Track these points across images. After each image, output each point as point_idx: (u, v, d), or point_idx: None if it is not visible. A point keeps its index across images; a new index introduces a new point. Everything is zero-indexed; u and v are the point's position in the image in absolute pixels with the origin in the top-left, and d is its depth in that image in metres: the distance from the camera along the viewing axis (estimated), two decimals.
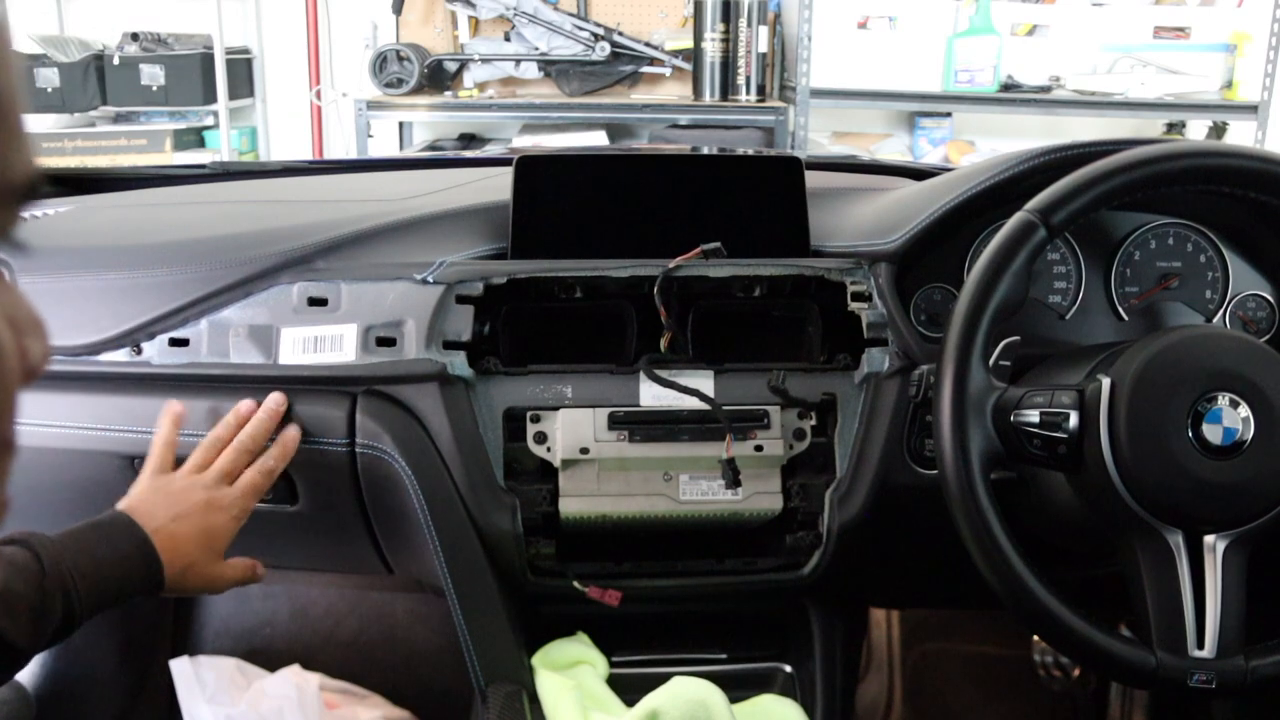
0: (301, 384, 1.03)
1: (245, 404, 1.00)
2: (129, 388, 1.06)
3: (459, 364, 1.02)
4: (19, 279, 1.09)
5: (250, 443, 0.98)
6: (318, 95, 3.64)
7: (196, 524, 0.93)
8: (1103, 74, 3.28)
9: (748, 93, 3.34)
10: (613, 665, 1.07)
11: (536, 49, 3.38)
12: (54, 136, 3.45)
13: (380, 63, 3.30)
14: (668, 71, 3.42)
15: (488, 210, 1.12)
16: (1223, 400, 0.84)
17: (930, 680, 1.72)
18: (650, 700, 0.95)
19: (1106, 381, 0.86)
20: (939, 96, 3.31)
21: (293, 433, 1.00)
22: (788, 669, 1.15)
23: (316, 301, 1.05)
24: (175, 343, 1.05)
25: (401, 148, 3.61)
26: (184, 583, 0.92)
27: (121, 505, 0.93)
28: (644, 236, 1.09)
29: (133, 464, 1.06)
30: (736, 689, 1.04)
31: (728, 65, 3.32)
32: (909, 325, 1.05)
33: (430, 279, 1.04)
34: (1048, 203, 0.89)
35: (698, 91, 3.37)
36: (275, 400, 1.00)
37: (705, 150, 1.97)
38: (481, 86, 3.46)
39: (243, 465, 0.98)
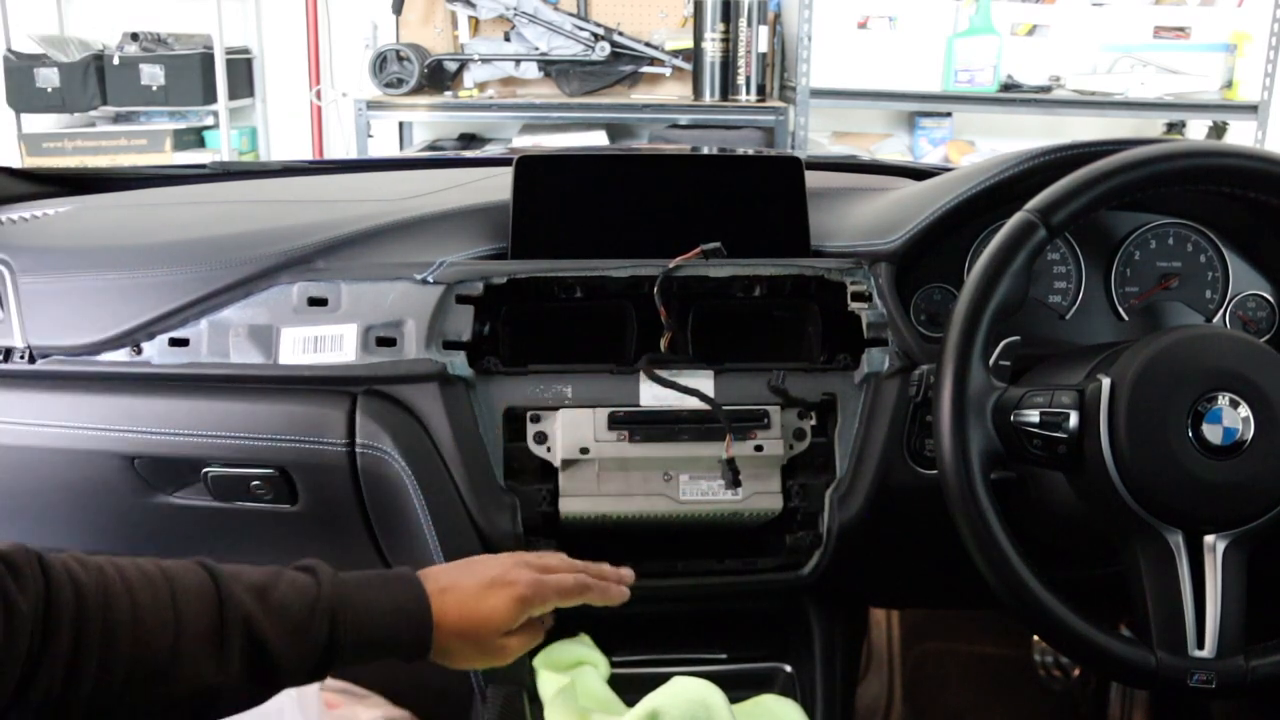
0: (301, 384, 1.03)
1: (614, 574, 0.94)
2: (129, 388, 1.06)
3: (459, 364, 1.02)
4: (19, 279, 1.09)
5: (589, 580, 0.91)
6: (318, 95, 3.64)
7: (471, 595, 0.86)
8: (1103, 74, 3.28)
9: (748, 93, 3.34)
10: (613, 665, 1.07)
11: (536, 49, 3.38)
12: (54, 136, 3.45)
13: (380, 63, 3.30)
14: (668, 71, 3.42)
15: (488, 210, 1.12)
16: (1223, 400, 0.84)
17: (930, 680, 1.72)
18: (650, 700, 0.95)
19: (1106, 381, 0.86)
20: (939, 96, 3.31)
21: (624, 583, 0.94)
22: (788, 669, 1.15)
23: (316, 301, 1.05)
24: (175, 343, 1.05)
25: (401, 148, 3.61)
26: (458, 649, 0.86)
27: (431, 568, 0.88)
28: (644, 236, 1.09)
29: (133, 464, 1.06)
30: (736, 689, 1.04)
31: (728, 65, 3.32)
32: (909, 325, 1.05)
33: (430, 279, 1.04)
34: (1048, 203, 0.89)
35: (698, 91, 3.37)
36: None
37: (705, 150, 1.97)
38: (481, 86, 3.46)
39: (566, 591, 0.90)
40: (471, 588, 0.86)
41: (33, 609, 0.68)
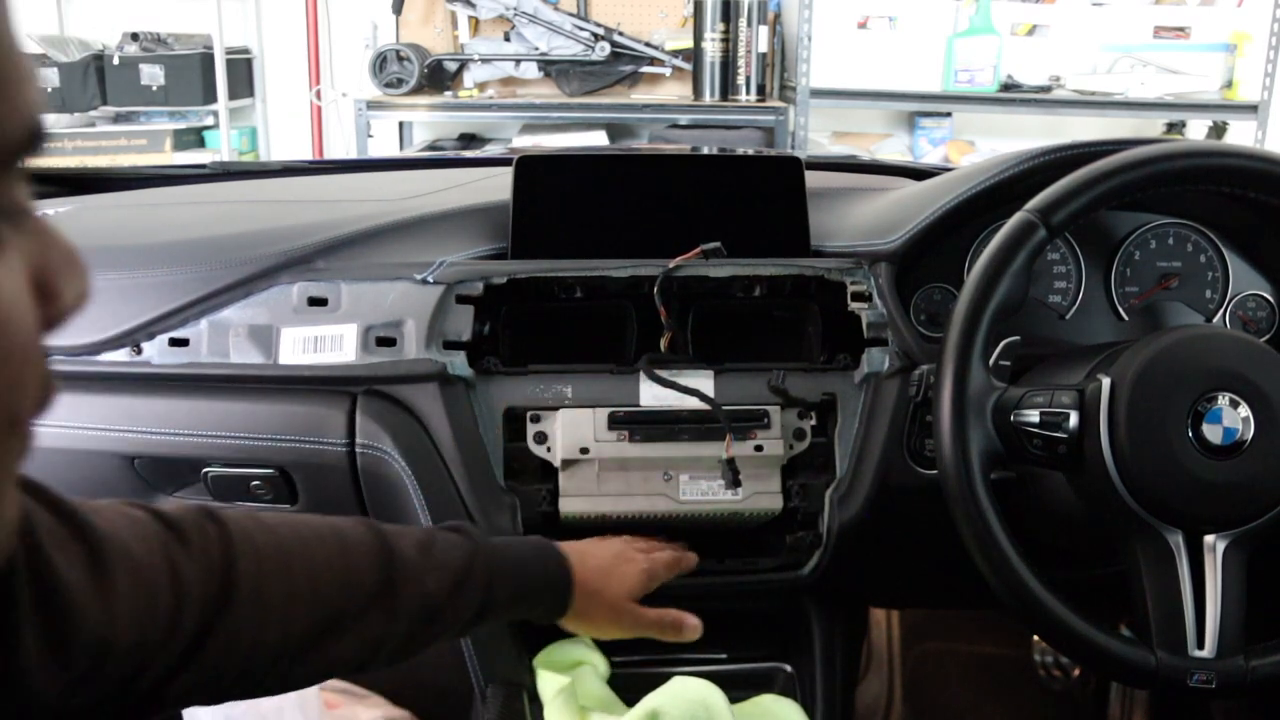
0: (301, 384, 1.03)
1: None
2: (129, 388, 1.06)
3: (459, 364, 1.02)
4: None
5: (680, 554, 1.01)
6: (318, 95, 3.64)
7: (602, 563, 0.93)
8: (1103, 74, 3.28)
9: (748, 93, 3.34)
10: (613, 665, 1.07)
11: (536, 49, 3.38)
12: (54, 136, 3.45)
13: (380, 63, 3.30)
14: (668, 71, 3.42)
15: (488, 210, 1.12)
16: (1223, 400, 0.84)
17: (930, 680, 1.72)
18: (650, 700, 0.95)
19: (1106, 381, 0.86)
20: (939, 96, 3.31)
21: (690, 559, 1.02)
22: (788, 669, 1.15)
23: (316, 301, 1.05)
24: (175, 343, 1.05)
25: (401, 148, 3.61)
26: (588, 610, 0.92)
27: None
28: (644, 236, 1.09)
29: (133, 464, 1.06)
30: (736, 689, 1.04)
31: (728, 65, 3.32)
32: (909, 325, 1.05)
33: (430, 279, 1.04)
34: (1048, 203, 0.89)
35: (698, 91, 3.37)
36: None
37: (705, 150, 1.97)
38: (481, 86, 3.46)
39: (669, 569, 0.99)
40: (603, 557, 0.94)
41: (203, 575, 0.68)
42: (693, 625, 0.97)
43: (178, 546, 0.67)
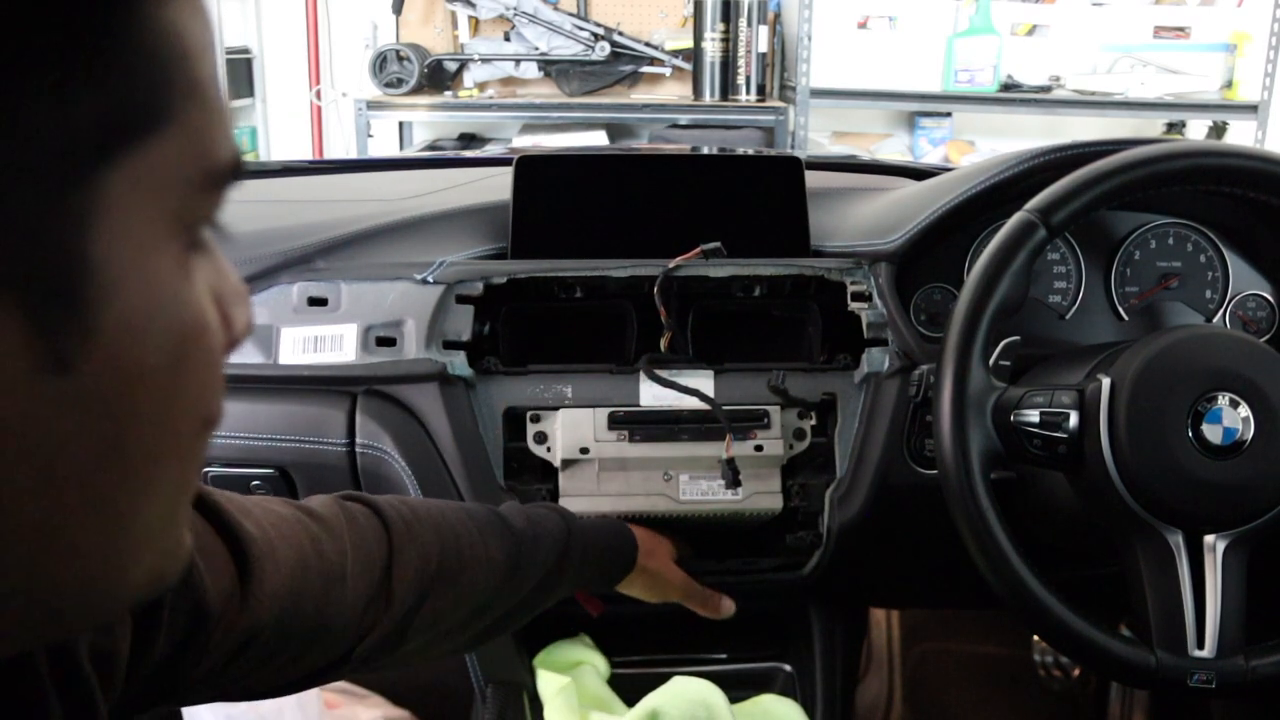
0: (301, 384, 1.03)
1: None
2: None
3: (459, 364, 1.02)
4: None
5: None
6: (318, 95, 3.64)
7: (648, 532, 1.02)
8: (1103, 74, 3.28)
9: (748, 93, 3.34)
10: (613, 665, 1.07)
11: (536, 49, 3.38)
12: None
13: (380, 63, 3.30)
14: (668, 71, 3.42)
15: (488, 210, 1.12)
16: (1223, 400, 0.84)
17: (930, 680, 1.72)
18: (651, 700, 0.95)
19: (1106, 381, 0.86)
20: (939, 96, 3.31)
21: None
22: (788, 669, 1.15)
23: (316, 301, 1.05)
24: None
25: (401, 148, 3.61)
26: (650, 570, 0.99)
27: None
28: (644, 236, 1.09)
29: None
30: (736, 689, 1.04)
31: (728, 65, 3.32)
32: (909, 325, 1.05)
33: (430, 279, 1.04)
34: (1048, 203, 0.89)
35: (698, 91, 3.36)
36: None
37: (705, 150, 1.96)
38: (481, 86, 3.46)
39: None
40: (644, 530, 1.01)
41: (363, 564, 0.72)
42: (729, 606, 1.06)
43: (327, 539, 0.70)
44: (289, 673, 0.68)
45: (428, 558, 0.76)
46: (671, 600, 1.02)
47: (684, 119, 3.35)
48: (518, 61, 3.39)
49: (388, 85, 3.29)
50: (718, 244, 1.07)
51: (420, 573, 0.75)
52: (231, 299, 0.39)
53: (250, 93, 3.70)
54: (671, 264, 1.05)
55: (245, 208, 1.25)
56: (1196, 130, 3.57)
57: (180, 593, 0.56)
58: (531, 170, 1.10)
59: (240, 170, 0.38)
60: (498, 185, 1.14)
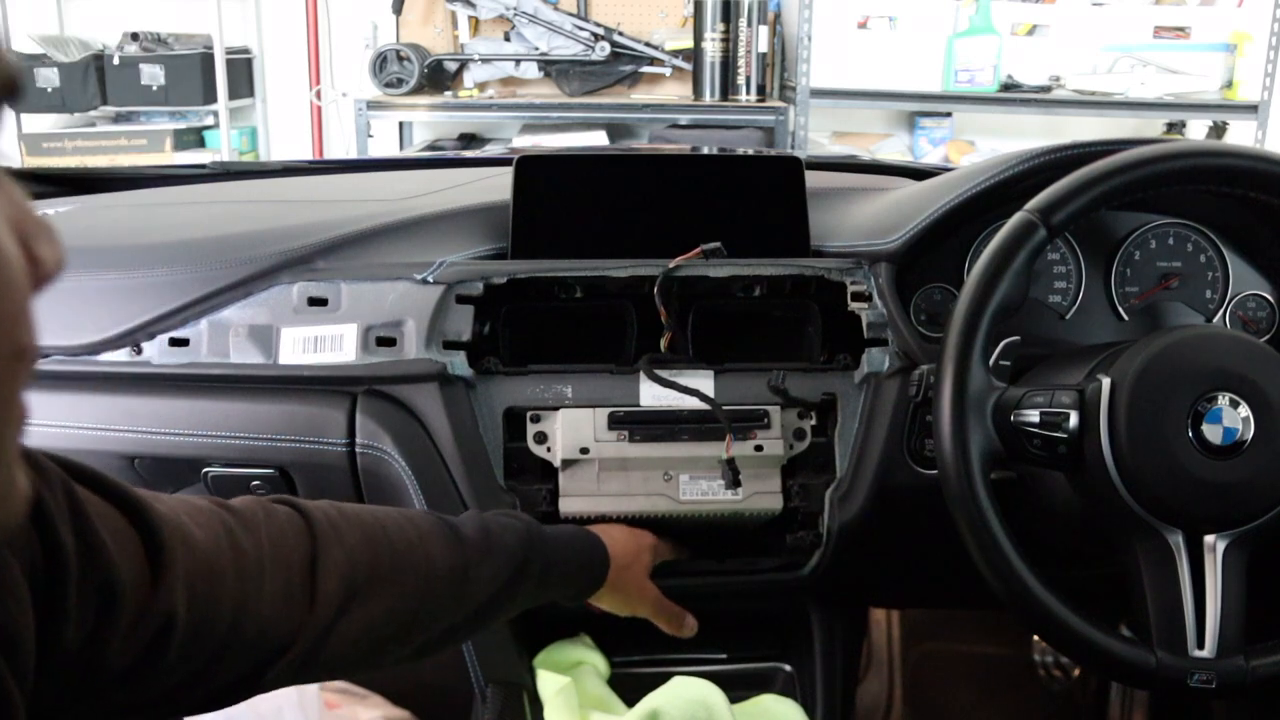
0: (301, 384, 1.03)
1: None
2: (129, 388, 1.06)
3: (459, 364, 1.02)
4: None
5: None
6: (318, 95, 3.64)
7: (627, 541, 1.00)
8: (1103, 74, 3.28)
9: (748, 93, 3.34)
10: (613, 665, 1.07)
11: (536, 49, 3.38)
12: (54, 136, 3.45)
13: (380, 63, 3.30)
14: (668, 71, 3.42)
15: (488, 210, 1.12)
16: (1223, 400, 0.84)
17: (930, 680, 1.72)
18: (650, 700, 0.95)
19: (1106, 381, 0.86)
20: (939, 96, 3.31)
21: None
22: (788, 669, 1.15)
23: (316, 301, 1.05)
24: (175, 343, 1.05)
25: (401, 148, 3.61)
26: (620, 584, 0.98)
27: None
28: (644, 236, 1.09)
29: (133, 464, 1.06)
30: (736, 689, 1.04)
31: (728, 65, 3.32)
32: (909, 325, 1.04)
33: (430, 279, 1.04)
34: (1048, 203, 0.89)
35: (698, 91, 3.37)
36: None
37: (705, 150, 1.96)
38: (481, 86, 3.46)
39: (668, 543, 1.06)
40: (622, 538, 0.99)
41: (279, 562, 0.70)
42: (691, 625, 1.05)
43: (243, 532, 0.69)
44: (216, 676, 0.66)
45: (355, 561, 0.74)
46: (640, 615, 1.02)
47: (684, 119, 3.35)
48: (518, 61, 3.39)
49: (388, 85, 3.29)
50: (718, 244, 1.07)
51: (347, 577, 0.73)
52: (36, 235, 0.39)
53: (250, 93, 3.70)
54: (671, 264, 1.05)
55: (245, 208, 1.25)
56: (1196, 130, 3.57)
57: (86, 571, 0.55)
58: (531, 170, 1.10)
59: (15, 90, 0.38)
60: (498, 185, 1.14)
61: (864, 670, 1.71)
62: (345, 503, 0.80)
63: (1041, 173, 1.02)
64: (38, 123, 3.52)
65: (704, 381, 1.05)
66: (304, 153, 3.72)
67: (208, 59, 3.43)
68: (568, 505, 1.03)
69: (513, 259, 1.08)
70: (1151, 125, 3.54)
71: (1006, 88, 3.28)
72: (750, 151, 1.88)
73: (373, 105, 3.29)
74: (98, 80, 3.40)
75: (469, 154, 3.29)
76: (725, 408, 1.03)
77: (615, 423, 1.03)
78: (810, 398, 1.05)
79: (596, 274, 1.06)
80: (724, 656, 1.15)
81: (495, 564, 0.84)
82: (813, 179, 1.13)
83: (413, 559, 0.78)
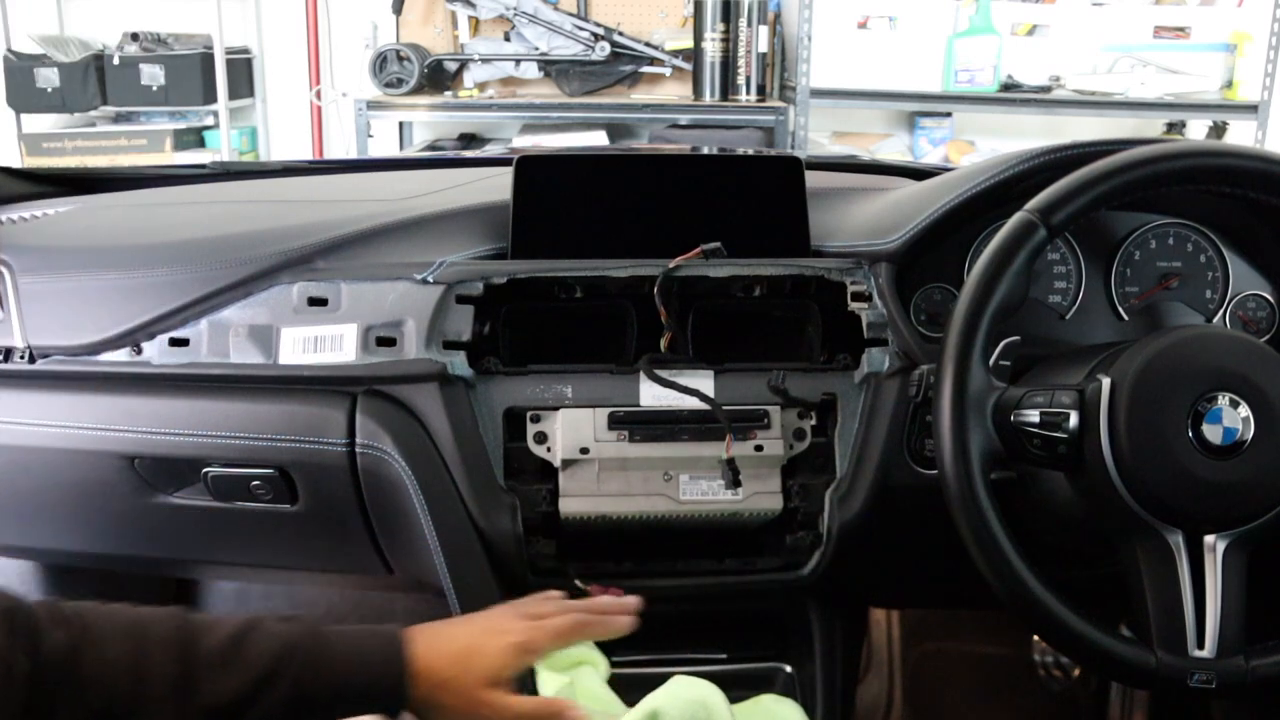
0: (301, 384, 1.03)
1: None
2: (129, 388, 1.06)
3: (459, 364, 1.02)
4: (19, 279, 1.09)
5: (586, 618, 0.89)
6: (318, 95, 3.64)
7: (464, 642, 0.83)
8: (1103, 74, 3.28)
9: (748, 93, 3.34)
10: (613, 665, 1.07)
11: (536, 49, 3.38)
12: (54, 136, 3.45)
13: (380, 63, 3.30)
14: (668, 71, 3.42)
15: (488, 210, 1.12)
16: (1223, 400, 0.84)
17: (930, 680, 1.72)
18: (650, 700, 0.95)
19: (1106, 381, 0.86)
20: (939, 96, 3.31)
21: (629, 611, 0.91)
22: (788, 669, 1.15)
23: (316, 301, 1.05)
24: (175, 343, 1.05)
25: (401, 148, 3.61)
26: (441, 694, 0.81)
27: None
28: (644, 236, 1.09)
29: (133, 464, 1.06)
30: (736, 689, 1.04)
31: (728, 65, 3.32)
32: (909, 325, 1.04)
33: (430, 279, 1.04)
34: (1048, 203, 0.89)
35: (698, 91, 3.36)
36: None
37: (705, 150, 1.96)
38: (481, 86, 3.46)
39: (565, 633, 0.88)
40: (463, 636, 0.84)
41: (28, 667, 0.68)
42: (575, 718, 0.86)
43: (21, 637, 0.67)
44: None
45: (48, 658, 0.70)
46: (498, 708, 0.83)
47: (684, 119, 3.35)
48: (518, 61, 3.39)
49: (388, 85, 3.29)
50: (718, 244, 1.07)
51: None
52: None
53: (250, 93, 3.70)
54: (671, 264, 1.05)
55: (245, 208, 1.25)
56: (1196, 130, 3.57)
57: None
58: (531, 170, 1.10)
59: None
60: (498, 185, 1.14)
61: (864, 670, 1.71)
62: (77, 604, 0.75)
63: (1041, 173, 1.02)
64: (38, 123, 3.52)
65: (704, 381, 1.05)
66: (304, 153, 3.72)
67: (208, 59, 3.43)
68: (568, 505, 1.03)
69: (513, 259, 1.08)
70: (1151, 125, 3.54)
71: (1006, 88, 3.28)
72: (750, 151, 1.88)
73: (373, 105, 3.29)
74: (98, 80, 3.40)
75: (469, 154, 3.29)
76: (725, 408, 1.03)
77: (615, 423, 1.03)
78: (810, 398, 1.05)
79: (596, 274, 1.06)
80: (724, 656, 1.15)
81: (238, 675, 0.75)
82: (813, 179, 1.13)
83: (126, 666, 0.73)
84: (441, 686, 0.81)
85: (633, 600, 0.92)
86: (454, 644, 0.83)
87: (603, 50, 3.33)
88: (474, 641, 0.83)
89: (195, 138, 3.55)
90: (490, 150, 3.50)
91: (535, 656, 0.86)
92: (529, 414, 1.04)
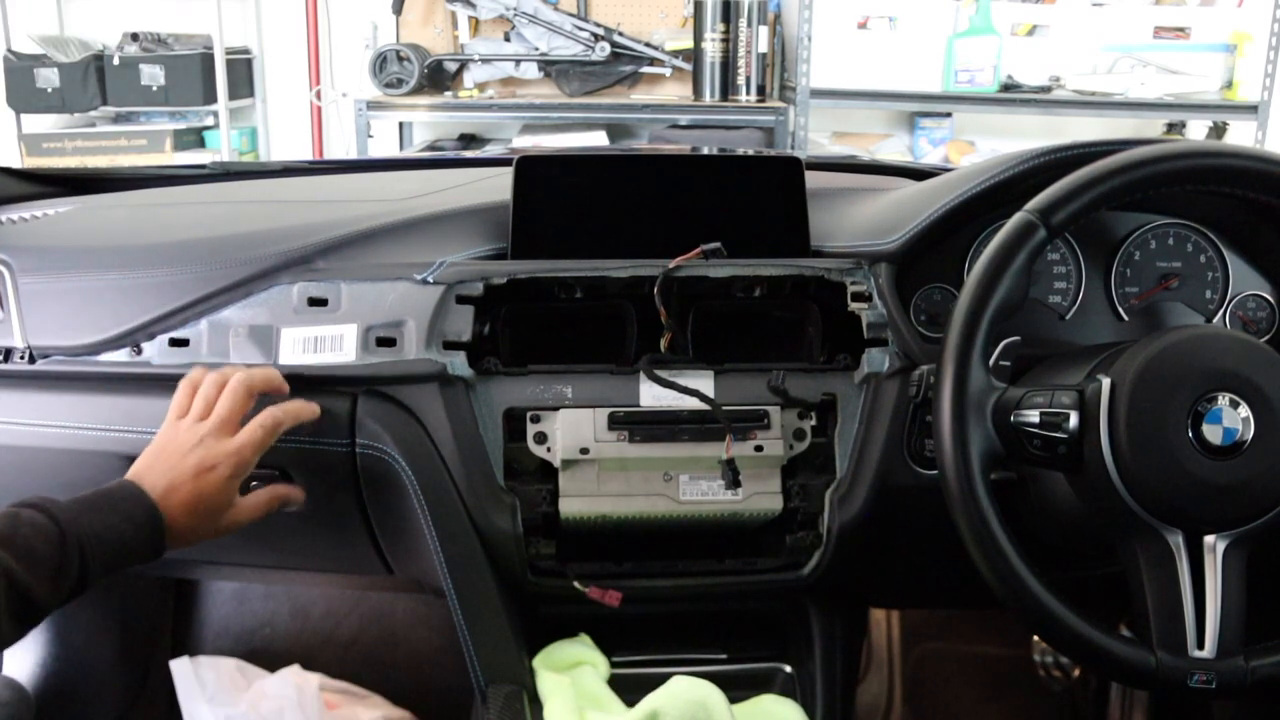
0: (301, 384, 1.03)
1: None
2: (129, 388, 1.06)
3: (459, 364, 1.02)
4: (19, 279, 1.09)
5: (250, 383, 0.98)
6: (318, 95, 3.64)
7: (189, 492, 0.93)
8: (1103, 74, 3.28)
9: (748, 93, 3.34)
10: (613, 665, 1.07)
11: (536, 49, 3.38)
12: (54, 136, 3.45)
13: (380, 63, 3.30)
14: (668, 71, 3.42)
15: (488, 210, 1.12)
16: (1223, 400, 0.84)
17: (930, 680, 1.72)
18: (650, 700, 0.95)
19: (1106, 381, 0.86)
20: (939, 96, 3.31)
21: (310, 408, 1.00)
22: (788, 669, 1.15)
23: (316, 301, 1.05)
24: (175, 343, 1.05)
25: (401, 148, 3.61)
26: (192, 539, 0.94)
27: (130, 471, 0.95)
28: (644, 236, 1.09)
29: (132, 464, 1.06)
30: (736, 689, 1.04)
31: (728, 65, 3.32)
32: (909, 325, 1.04)
33: (430, 279, 1.04)
34: (1048, 203, 0.89)
35: (698, 92, 3.37)
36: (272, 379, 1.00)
37: (705, 150, 1.97)
38: (481, 87, 3.46)
39: (241, 409, 0.97)
40: (186, 483, 0.93)
41: None
42: (296, 497, 1.02)
43: None
44: None
45: None
46: (237, 526, 0.98)
47: (684, 119, 3.35)
48: (518, 62, 3.39)
49: (388, 85, 3.29)
50: (718, 244, 1.07)
51: None
52: None
53: (250, 93, 3.70)
54: (672, 264, 1.05)
55: (245, 208, 1.25)
56: (1196, 130, 3.57)
57: None
58: (532, 170, 1.10)
59: None
60: (498, 185, 1.14)
61: (864, 670, 1.71)
62: None
63: (1041, 173, 1.02)
64: (38, 123, 3.52)
65: (704, 382, 1.05)
66: (304, 153, 3.72)
67: (208, 59, 3.43)
68: (568, 506, 1.03)
69: (513, 259, 1.08)
70: (1151, 125, 3.54)
71: (1006, 88, 3.28)
72: (750, 152, 1.88)
73: (373, 105, 3.29)
74: (98, 80, 3.40)
75: (469, 154, 3.29)
76: (725, 408, 1.03)
77: (615, 423, 1.03)
78: (810, 398, 1.05)
79: (596, 274, 1.06)
80: (724, 656, 1.15)
81: (29, 570, 0.83)
82: (813, 179, 1.13)
83: None
84: (187, 532, 0.94)
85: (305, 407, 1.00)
86: (186, 491, 0.93)
87: (603, 50, 3.33)
88: (196, 488, 0.93)
89: (195, 138, 3.55)
90: (490, 150, 3.50)
91: (248, 471, 0.97)
92: (529, 414, 1.04)
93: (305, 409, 0.99)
